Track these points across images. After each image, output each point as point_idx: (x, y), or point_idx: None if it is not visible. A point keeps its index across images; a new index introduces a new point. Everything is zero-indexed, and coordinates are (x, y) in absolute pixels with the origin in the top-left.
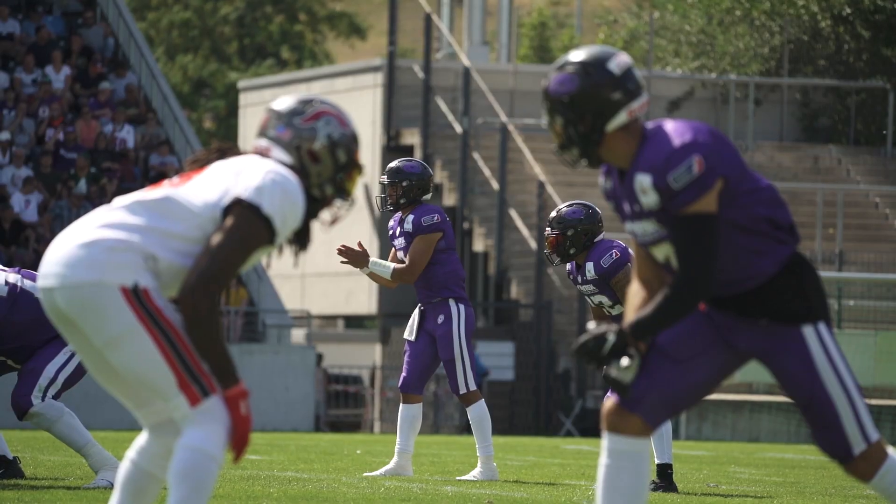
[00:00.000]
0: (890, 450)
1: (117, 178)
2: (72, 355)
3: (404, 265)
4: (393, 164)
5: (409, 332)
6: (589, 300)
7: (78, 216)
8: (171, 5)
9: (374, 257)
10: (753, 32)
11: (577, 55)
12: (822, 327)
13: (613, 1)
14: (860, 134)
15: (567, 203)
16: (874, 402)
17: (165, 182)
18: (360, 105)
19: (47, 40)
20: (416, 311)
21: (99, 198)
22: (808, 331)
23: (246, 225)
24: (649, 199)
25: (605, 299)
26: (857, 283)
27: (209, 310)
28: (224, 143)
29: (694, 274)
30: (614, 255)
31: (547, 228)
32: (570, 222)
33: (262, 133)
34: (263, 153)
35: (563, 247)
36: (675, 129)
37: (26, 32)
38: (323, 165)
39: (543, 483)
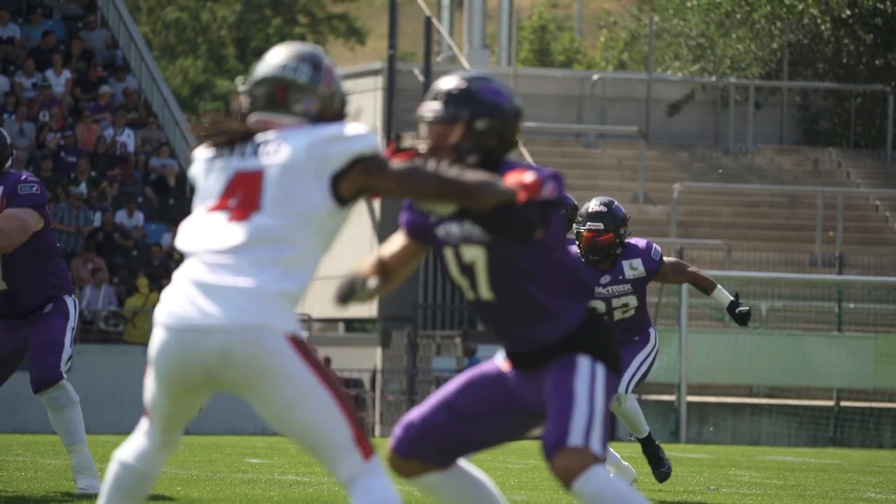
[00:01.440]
0: (606, 468)
1: (118, 181)
2: (72, 327)
3: None
4: None
5: None
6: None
7: (78, 217)
8: (165, 6)
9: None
10: (753, 35)
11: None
12: (599, 366)
13: (613, 4)
14: (860, 137)
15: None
16: (874, 405)
17: (227, 205)
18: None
19: (48, 44)
20: None
21: (100, 201)
22: (583, 359)
23: (385, 158)
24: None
25: (632, 300)
26: (857, 286)
27: (421, 176)
28: (223, 121)
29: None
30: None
31: (590, 223)
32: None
33: (284, 108)
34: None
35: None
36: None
37: (26, 36)
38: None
39: (544, 486)
